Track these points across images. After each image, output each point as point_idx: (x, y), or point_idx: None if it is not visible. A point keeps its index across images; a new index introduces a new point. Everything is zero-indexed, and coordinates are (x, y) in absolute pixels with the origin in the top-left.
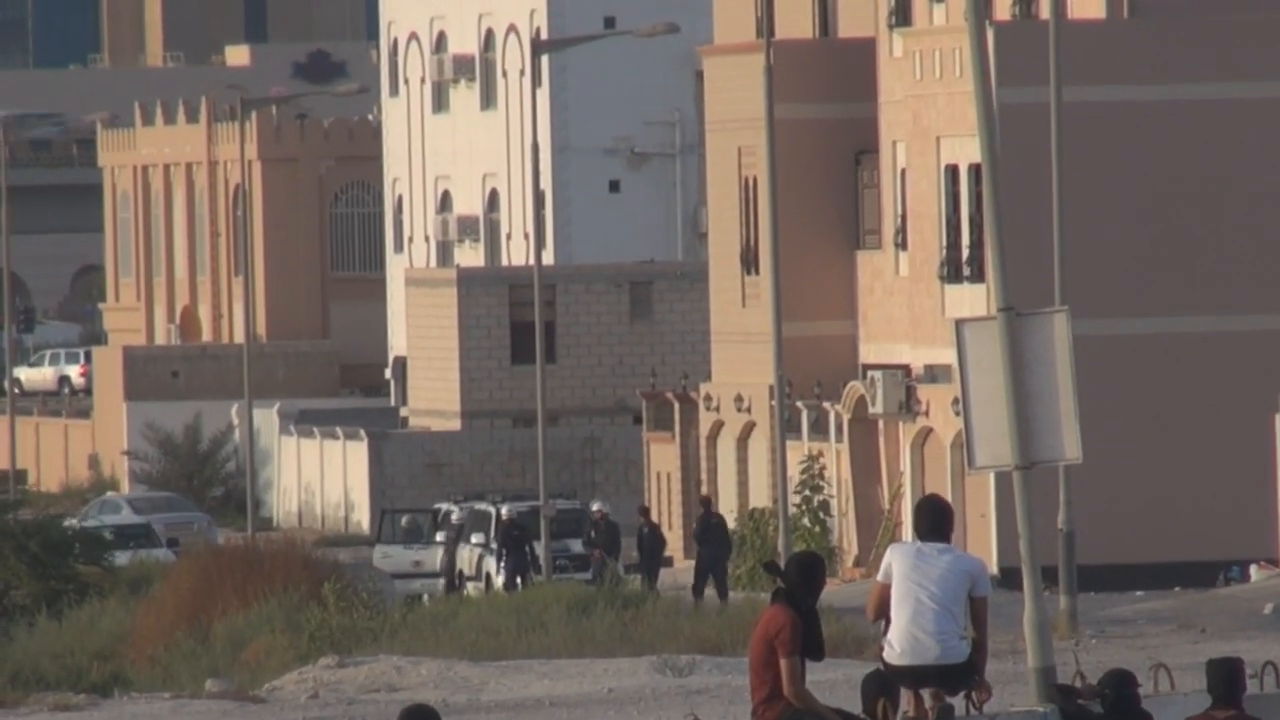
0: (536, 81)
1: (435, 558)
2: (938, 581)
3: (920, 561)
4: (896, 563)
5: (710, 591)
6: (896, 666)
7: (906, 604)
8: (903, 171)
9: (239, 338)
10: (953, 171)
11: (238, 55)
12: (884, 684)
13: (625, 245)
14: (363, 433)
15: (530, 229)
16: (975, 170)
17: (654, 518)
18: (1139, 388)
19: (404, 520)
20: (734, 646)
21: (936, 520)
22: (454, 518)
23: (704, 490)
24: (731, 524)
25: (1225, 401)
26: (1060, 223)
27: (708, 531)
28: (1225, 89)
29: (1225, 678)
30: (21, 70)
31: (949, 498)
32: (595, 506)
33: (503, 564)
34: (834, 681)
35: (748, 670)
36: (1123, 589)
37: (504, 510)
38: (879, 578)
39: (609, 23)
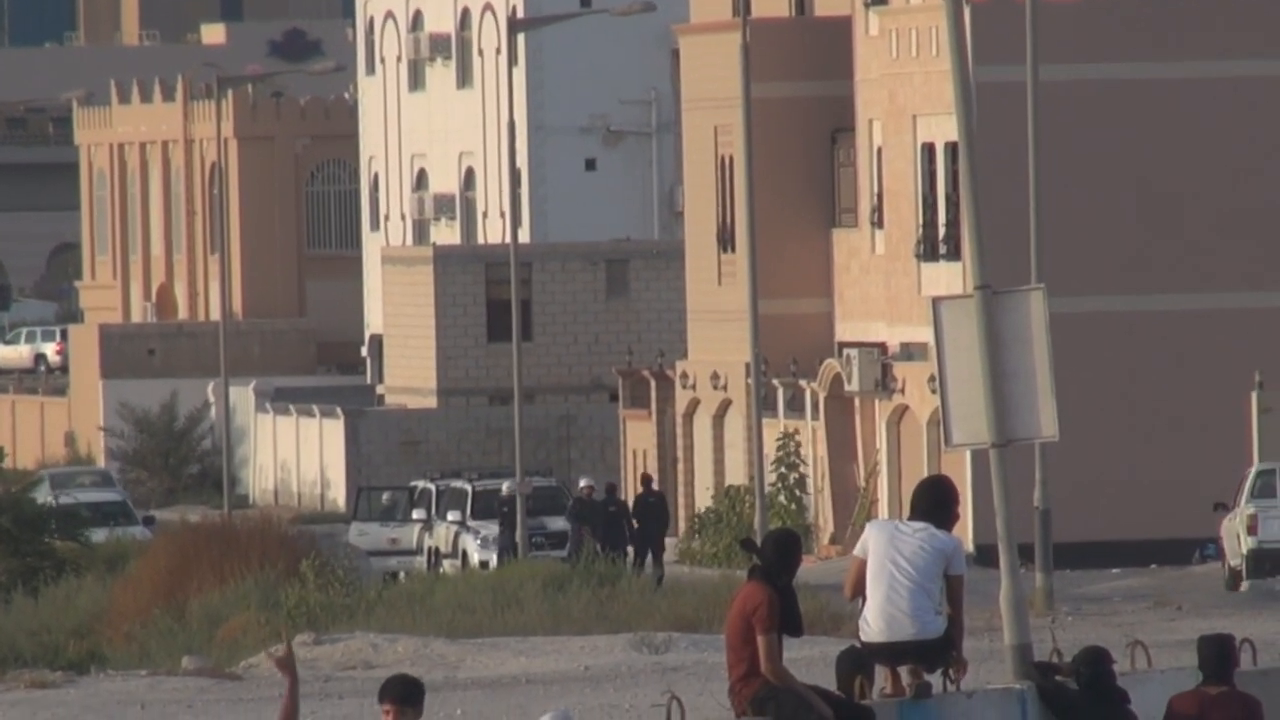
0: (513, 60)
1: (411, 535)
2: (911, 559)
3: (896, 539)
4: (873, 540)
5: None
6: (873, 643)
7: (881, 581)
8: (879, 150)
9: (215, 316)
10: (929, 150)
11: (213, 33)
12: (859, 661)
13: (601, 224)
14: (339, 410)
15: (506, 207)
16: (951, 148)
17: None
18: (1115, 365)
19: (384, 497)
20: (710, 624)
21: (932, 503)
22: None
23: (646, 470)
24: (708, 501)
25: (1202, 379)
26: (1037, 201)
27: (645, 509)
28: (1202, 67)
29: (1217, 654)
30: None
31: (925, 475)
32: (582, 482)
33: (495, 540)
34: (810, 659)
35: (724, 647)
36: (1099, 566)
37: (505, 486)
38: (855, 553)
39: (585, 1)
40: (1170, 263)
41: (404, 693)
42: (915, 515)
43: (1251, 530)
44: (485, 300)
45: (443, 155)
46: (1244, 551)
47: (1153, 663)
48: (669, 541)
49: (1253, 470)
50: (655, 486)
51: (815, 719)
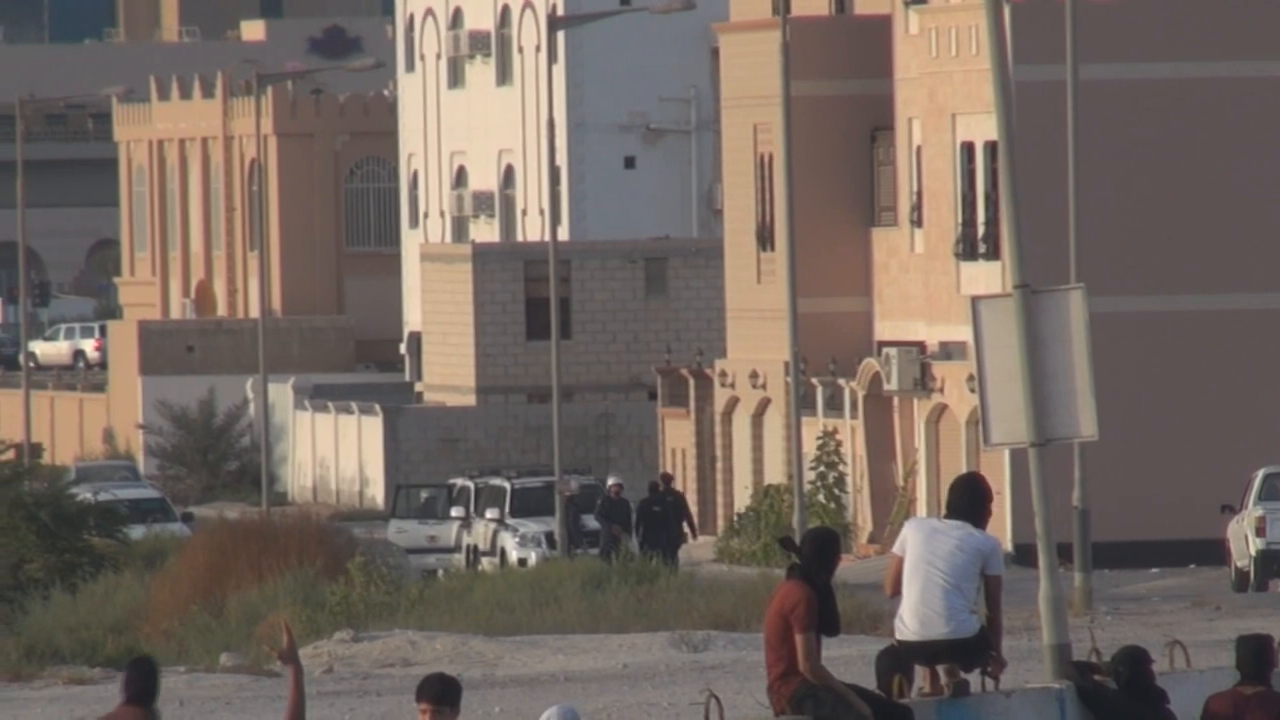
0: (552, 58)
1: (450, 533)
2: (947, 559)
3: (933, 538)
4: (911, 538)
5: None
6: (908, 642)
7: (916, 580)
8: (918, 148)
9: (254, 312)
10: (968, 149)
11: (253, 30)
12: (898, 659)
13: (640, 221)
14: (378, 408)
15: (545, 205)
16: (991, 147)
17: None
18: (1155, 365)
19: (423, 495)
20: (749, 622)
21: (968, 503)
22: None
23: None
24: (747, 500)
25: (1240, 379)
26: (1076, 200)
27: (663, 506)
28: (1242, 67)
29: (1255, 654)
30: (37, 45)
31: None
32: (611, 481)
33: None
34: (849, 658)
35: (763, 646)
36: (1137, 566)
37: (610, 481)
38: (895, 551)
39: None
40: (1210, 262)
41: (441, 692)
42: (952, 513)
43: (1260, 532)
44: (524, 298)
45: (482, 152)
46: (1252, 553)
47: (1191, 663)
48: (705, 539)
49: (1260, 473)
50: (675, 485)
51: (854, 717)
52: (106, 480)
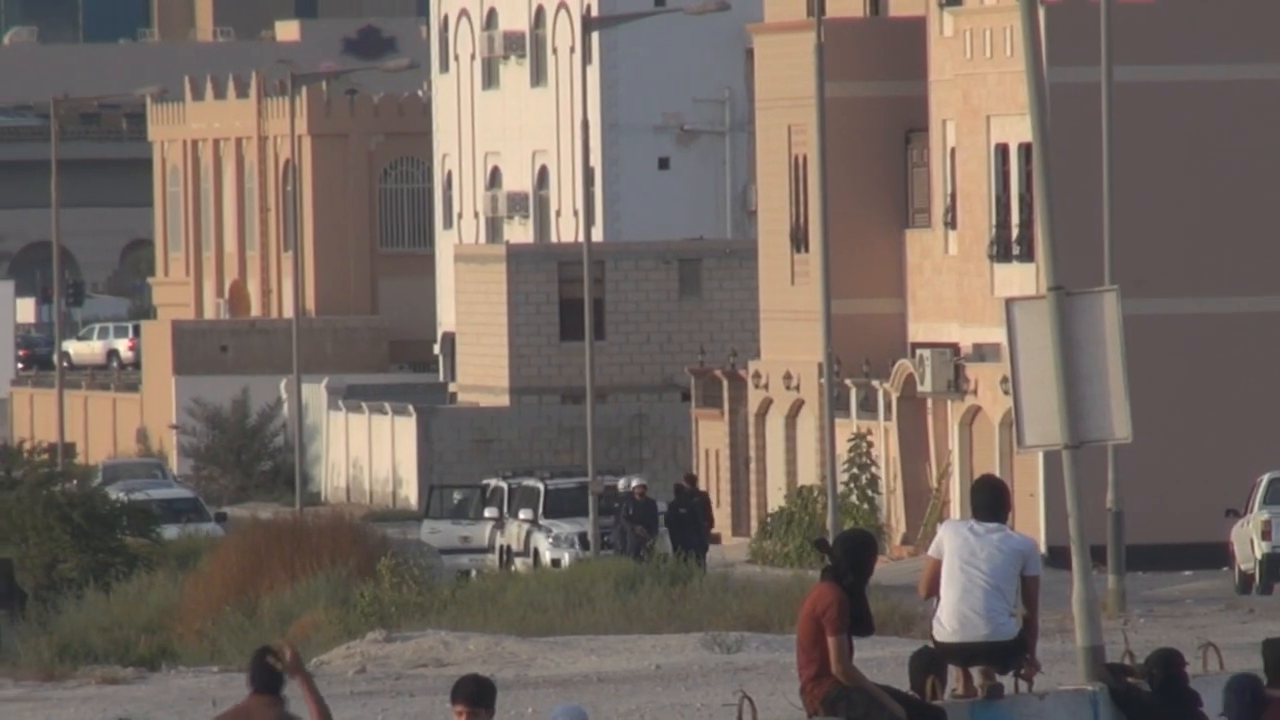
0: (587, 58)
1: (483, 534)
2: (987, 560)
3: (971, 540)
4: (948, 540)
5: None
6: (946, 644)
7: (956, 582)
8: (952, 150)
9: (288, 313)
10: (1003, 150)
11: (288, 30)
12: (932, 661)
13: (674, 222)
14: (411, 408)
15: (580, 206)
16: (1025, 149)
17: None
18: (1189, 367)
19: (456, 496)
20: (782, 624)
21: (991, 500)
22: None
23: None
24: (780, 501)
25: (1276, 381)
26: (1110, 202)
27: (689, 508)
28: (1276, 69)
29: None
30: (71, 44)
31: (998, 476)
32: (634, 482)
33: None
34: (882, 659)
35: (795, 647)
36: (1171, 569)
37: (622, 483)
38: (930, 553)
39: (659, 0)
40: (1244, 264)
41: (476, 693)
42: (980, 515)
43: (1266, 535)
44: (558, 299)
45: (516, 153)
46: (1259, 556)
47: (1225, 665)
48: (739, 540)
49: (1265, 478)
50: (699, 486)
51: (887, 718)
52: (135, 478)
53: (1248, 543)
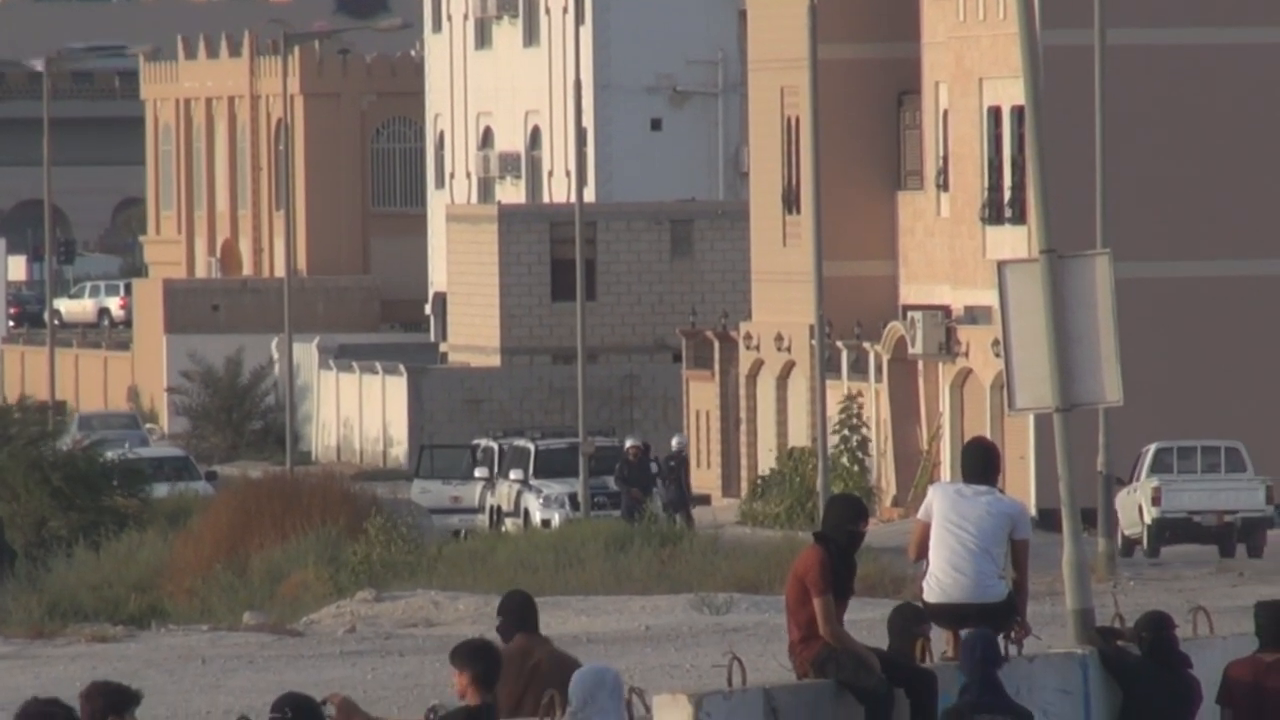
0: (579, 19)
1: (474, 494)
2: (976, 523)
3: (960, 502)
4: (937, 503)
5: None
6: (935, 605)
7: (944, 545)
8: (945, 113)
9: (279, 272)
10: (995, 113)
11: None
12: (911, 618)
13: (666, 183)
14: (402, 368)
15: (572, 166)
16: (1017, 112)
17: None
18: (1181, 330)
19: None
20: (771, 585)
21: (982, 463)
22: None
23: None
24: (771, 463)
25: (1266, 345)
26: (1102, 165)
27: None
28: (1271, 33)
29: (1274, 620)
30: (64, 3)
31: (988, 439)
32: (629, 442)
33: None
34: (873, 621)
35: (784, 609)
36: None
37: (675, 442)
38: (919, 516)
39: None
40: (1236, 228)
41: (477, 658)
42: (970, 478)
43: (1156, 501)
44: (550, 259)
45: (508, 113)
46: (1148, 521)
47: (1215, 629)
48: (729, 501)
49: (1153, 448)
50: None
51: (874, 680)
52: (108, 429)
53: (1135, 509)
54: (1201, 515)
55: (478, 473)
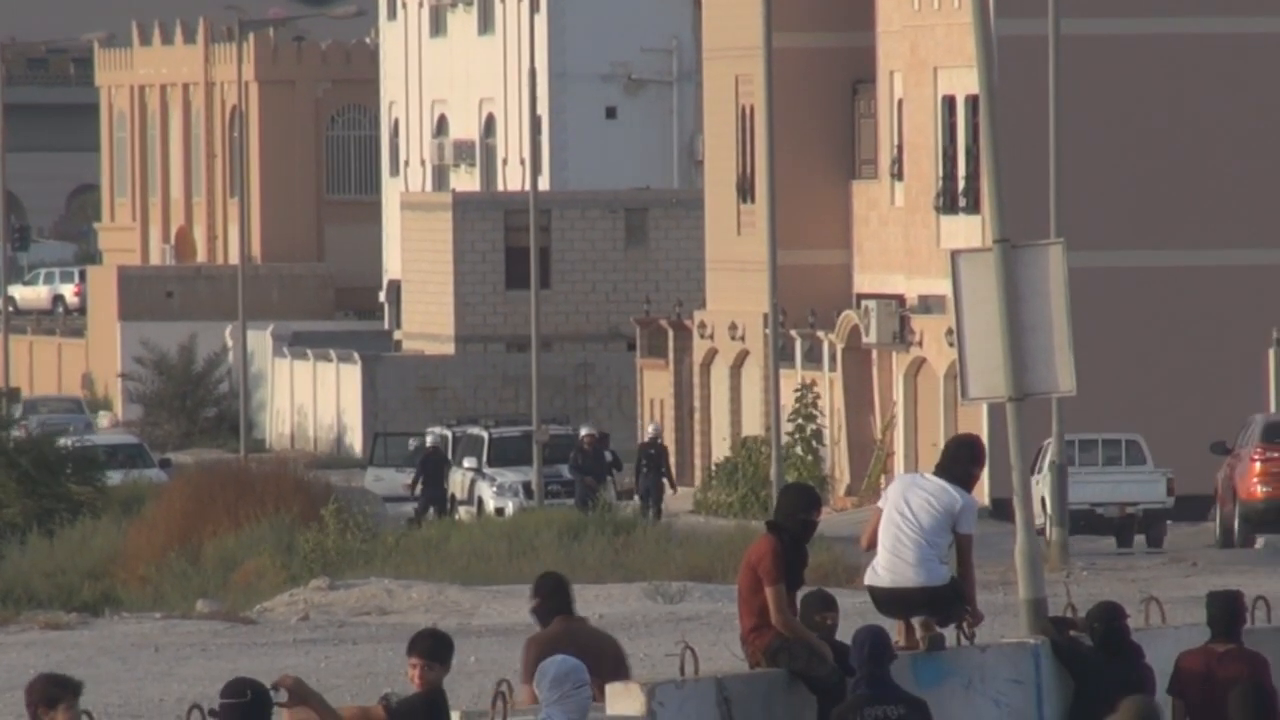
0: (534, 6)
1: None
2: (917, 513)
3: (909, 491)
4: (892, 492)
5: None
6: (878, 589)
7: (888, 533)
8: (899, 102)
9: (234, 259)
10: (950, 102)
11: None
12: (823, 602)
13: (621, 172)
14: (356, 355)
15: (526, 154)
16: (972, 101)
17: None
18: (1133, 321)
19: (411, 444)
20: (725, 574)
21: (948, 457)
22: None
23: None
24: (725, 452)
25: (1219, 335)
26: (1057, 155)
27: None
28: (1224, 23)
29: (1225, 611)
30: None
31: (941, 428)
32: (584, 431)
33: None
34: None
35: (737, 599)
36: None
37: (650, 429)
38: (880, 504)
39: None
40: (1189, 218)
41: (433, 647)
42: (937, 471)
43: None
44: (504, 247)
45: (463, 101)
46: (1049, 512)
47: (1167, 619)
48: (684, 490)
49: (1048, 443)
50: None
51: (827, 669)
52: (53, 412)
53: (1038, 500)
54: (1104, 507)
55: (467, 462)
